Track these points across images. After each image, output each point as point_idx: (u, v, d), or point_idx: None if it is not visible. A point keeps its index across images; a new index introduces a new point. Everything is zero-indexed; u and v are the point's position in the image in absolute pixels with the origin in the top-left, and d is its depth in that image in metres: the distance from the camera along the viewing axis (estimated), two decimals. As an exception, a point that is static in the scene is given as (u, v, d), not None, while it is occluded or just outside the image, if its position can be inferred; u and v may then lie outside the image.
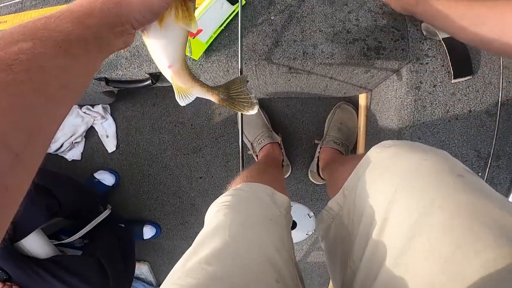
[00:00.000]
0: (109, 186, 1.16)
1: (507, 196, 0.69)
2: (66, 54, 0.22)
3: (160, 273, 1.36)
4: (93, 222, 0.97)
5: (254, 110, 0.44)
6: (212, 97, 0.44)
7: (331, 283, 1.16)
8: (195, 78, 0.42)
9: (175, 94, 0.42)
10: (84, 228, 0.94)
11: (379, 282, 0.30)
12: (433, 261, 0.27)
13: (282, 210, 0.48)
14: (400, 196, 0.32)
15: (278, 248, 0.37)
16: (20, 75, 0.19)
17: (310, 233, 1.15)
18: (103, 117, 1.16)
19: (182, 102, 0.42)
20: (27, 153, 0.20)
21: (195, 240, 0.38)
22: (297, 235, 1.15)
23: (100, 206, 1.09)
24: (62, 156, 1.19)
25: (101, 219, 1.01)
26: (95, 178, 1.15)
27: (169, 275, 0.33)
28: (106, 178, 1.16)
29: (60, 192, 0.82)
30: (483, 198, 0.28)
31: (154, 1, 0.29)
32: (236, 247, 0.35)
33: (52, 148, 1.16)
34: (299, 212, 1.13)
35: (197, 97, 0.43)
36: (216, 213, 0.42)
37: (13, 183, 0.19)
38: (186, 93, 0.42)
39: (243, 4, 0.70)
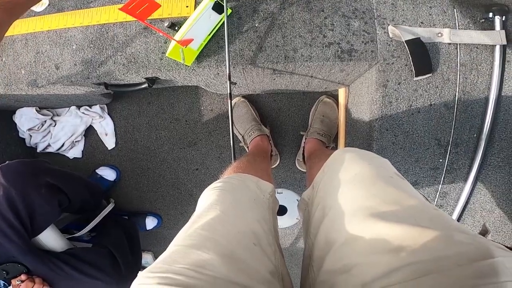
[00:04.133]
0: (111, 181, 1.24)
1: (466, 179, 0.80)
2: None
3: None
4: (100, 215, 1.05)
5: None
6: None
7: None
8: None
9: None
10: (93, 221, 1.01)
11: (331, 252, 0.41)
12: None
13: (266, 194, 0.59)
14: (348, 190, 0.44)
15: (259, 221, 0.47)
16: None
17: (299, 218, 1.25)
18: (101, 117, 1.22)
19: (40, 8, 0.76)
20: None
21: (195, 214, 0.49)
22: (287, 221, 1.25)
23: (104, 200, 1.16)
24: (64, 155, 1.26)
25: (106, 212, 1.08)
26: (98, 174, 1.23)
27: (175, 238, 0.43)
28: (108, 173, 1.24)
29: (68, 188, 0.86)
30: (403, 192, 0.40)
31: None
32: (225, 218, 0.45)
33: (54, 148, 1.23)
34: (288, 198, 1.23)
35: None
36: (211, 195, 0.52)
37: None
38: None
39: (229, 13, 0.76)
